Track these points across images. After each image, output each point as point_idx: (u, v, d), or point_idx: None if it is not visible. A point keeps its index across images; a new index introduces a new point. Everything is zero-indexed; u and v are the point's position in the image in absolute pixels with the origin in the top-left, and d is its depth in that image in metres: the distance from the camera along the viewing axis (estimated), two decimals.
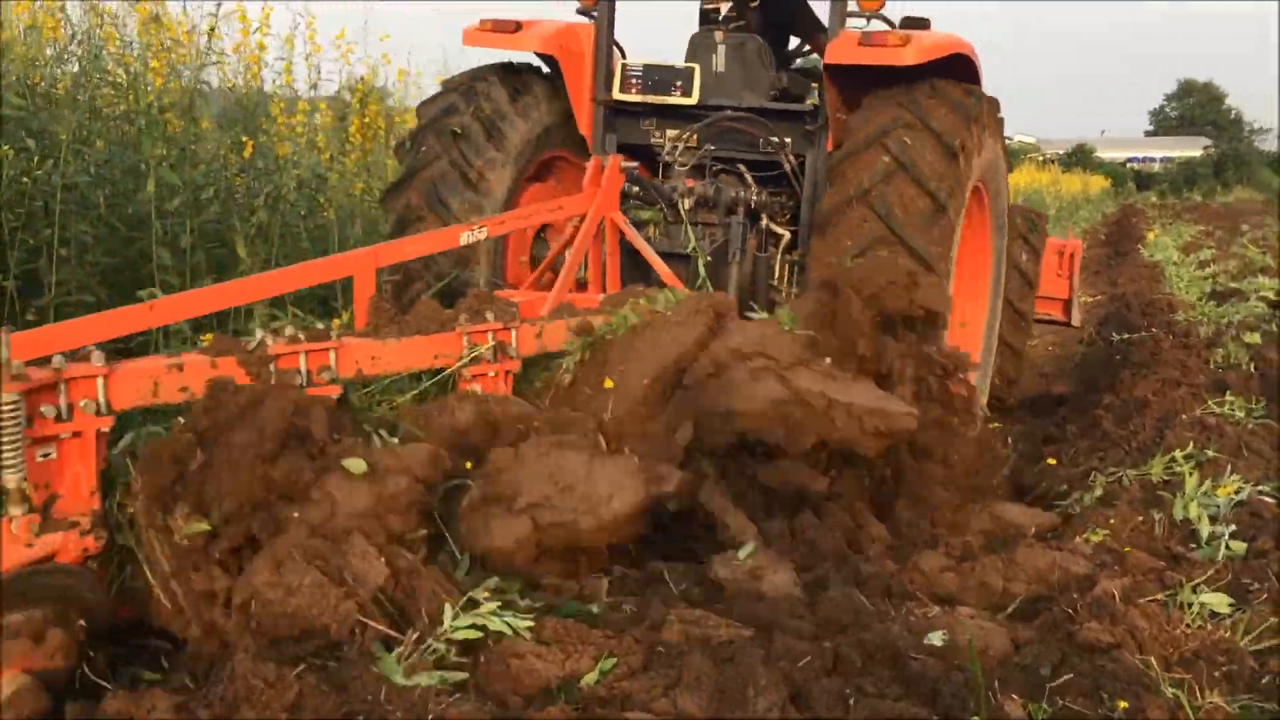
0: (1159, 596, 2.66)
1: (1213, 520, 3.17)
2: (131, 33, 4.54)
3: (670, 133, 5.43)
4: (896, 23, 5.08)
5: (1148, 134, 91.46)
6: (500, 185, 4.94)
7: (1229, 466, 3.86)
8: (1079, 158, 63.30)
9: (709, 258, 4.90)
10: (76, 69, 4.24)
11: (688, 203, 5.07)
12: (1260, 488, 3.57)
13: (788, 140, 5.33)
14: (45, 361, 2.51)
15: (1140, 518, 3.22)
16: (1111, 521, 3.20)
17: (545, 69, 5.41)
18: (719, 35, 5.55)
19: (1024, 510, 3.41)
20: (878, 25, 5.05)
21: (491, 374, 3.46)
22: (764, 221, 5.35)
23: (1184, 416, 4.62)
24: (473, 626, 2.32)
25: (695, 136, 5.36)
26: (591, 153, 5.26)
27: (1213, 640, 2.39)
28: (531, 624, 2.33)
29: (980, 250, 5.42)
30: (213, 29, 4.61)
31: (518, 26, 5.19)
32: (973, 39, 5.05)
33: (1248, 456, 4.00)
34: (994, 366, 5.73)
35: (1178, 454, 3.92)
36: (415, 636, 2.23)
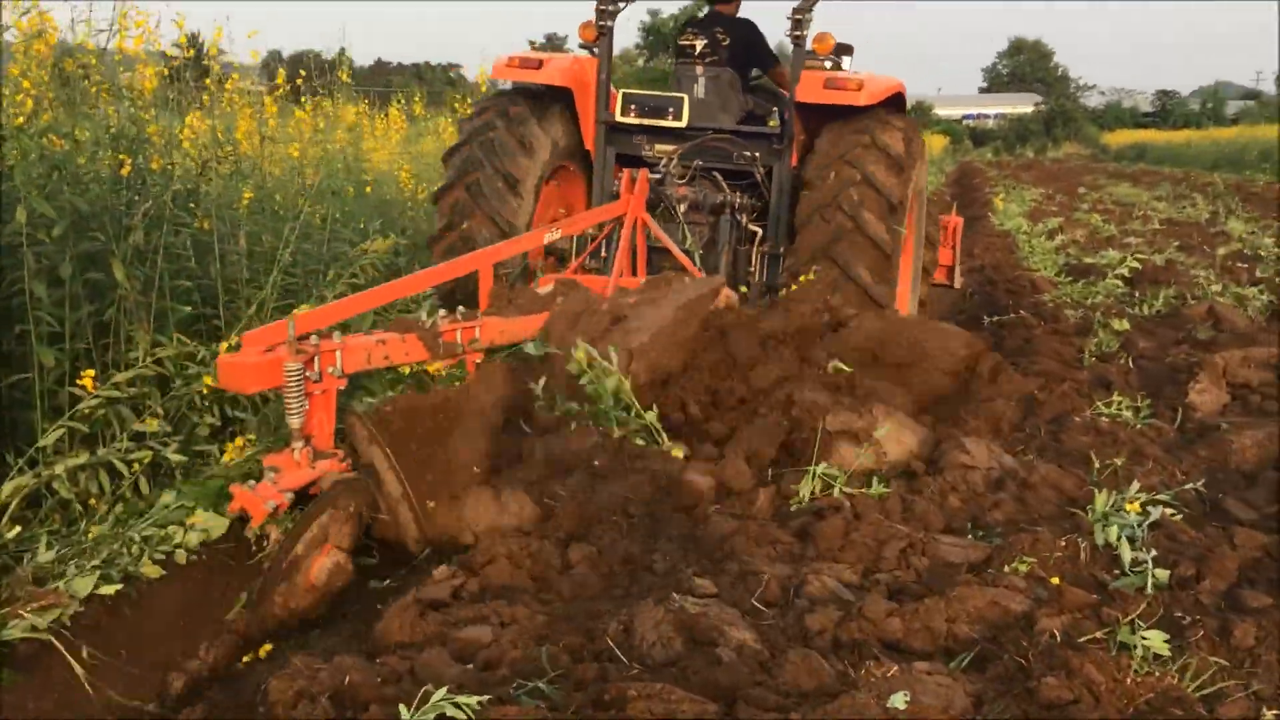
0: (1098, 635, 2.72)
1: (1131, 542, 3.25)
2: None
3: (660, 147, 6.56)
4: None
5: (982, 90, 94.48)
6: (530, 190, 6.14)
7: (1129, 476, 4.01)
8: (918, 115, 64.99)
9: (700, 250, 6.22)
10: None
11: (683, 207, 6.25)
12: (1160, 496, 3.71)
13: (757, 155, 6.50)
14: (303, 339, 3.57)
15: (1063, 542, 3.28)
16: (1036, 546, 3.25)
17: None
18: (699, 69, 6.83)
19: (955, 541, 3.44)
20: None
21: None
22: (743, 221, 6.55)
23: (1077, 419, 4.75)
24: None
25: (678, 153, 6.48)
26: (594, 164, 6.56)
27: (1162, 688, 2.45)
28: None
29: (906, 242, 6.38)
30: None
31: (540, 64, 6.36)
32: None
33: (1146, 464, 4.13)
34: None
35: (1095, 465, 4.04)
36: None
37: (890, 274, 5.77)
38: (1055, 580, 3.09)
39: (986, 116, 79.58)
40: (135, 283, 4.27)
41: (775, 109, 6.99)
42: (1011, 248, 12.70)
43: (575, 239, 6.20)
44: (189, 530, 3.64)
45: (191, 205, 4.88)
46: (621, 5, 6.46)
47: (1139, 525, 3.35)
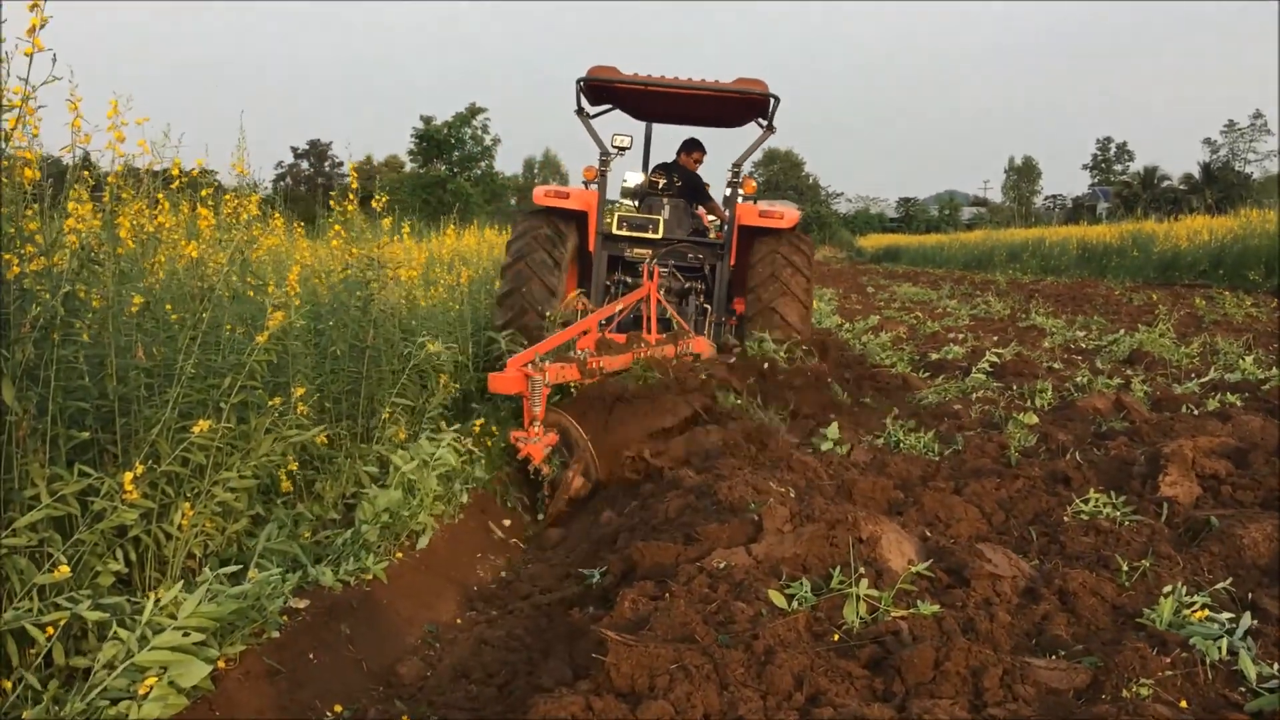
0: None
1: (1234, 654, 3.01)
2: None
3: (637, 251, 9.73)
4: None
5: (743, 198, 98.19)
6: (561, 292, 9.11)
7: (1159, 578, 3.82)
8: None
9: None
10: None
11: (661, 291, 9.16)
12: (1198, 598, 3.51)
13: (703, 257, 9.81)
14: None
15: (1168, 659, 3.01)
16: (1147, 666, 2.96)
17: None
18: (665, 200, 10.32)
19: (1049, 664, 3.11)
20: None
21: None
22: (700, 300, 9.84)
23: (1066, 519, 4.56)
24: None
25: (655, 255, 9.68)
26: (594, 262, 9.65)
27: None
28: None
29: None
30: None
31: (568, 195, 9.54)
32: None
33: (1174, 565, 3.95)
34: None
35: (1123, 568, 3.82)
36: None
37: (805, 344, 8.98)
38: (1183, 704, 2.81)
39: None
40: (28, 405, 3.53)
41: (708, 226, 10.66)
42: (842, 345, 12.81)
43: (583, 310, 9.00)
44: (143, 703, 2.93)
45: (77, 321, 4.13)
46: (614, 157, 9.52)
47: (1239, 635, 3.12)
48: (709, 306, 9.70)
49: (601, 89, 9.43)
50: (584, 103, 9.37)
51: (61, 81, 3.85)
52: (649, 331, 8.36)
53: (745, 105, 9.54)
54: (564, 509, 6.07)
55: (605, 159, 9.48)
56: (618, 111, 10.59)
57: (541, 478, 6.16)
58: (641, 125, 11.68)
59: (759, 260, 9.19)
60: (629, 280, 9.72)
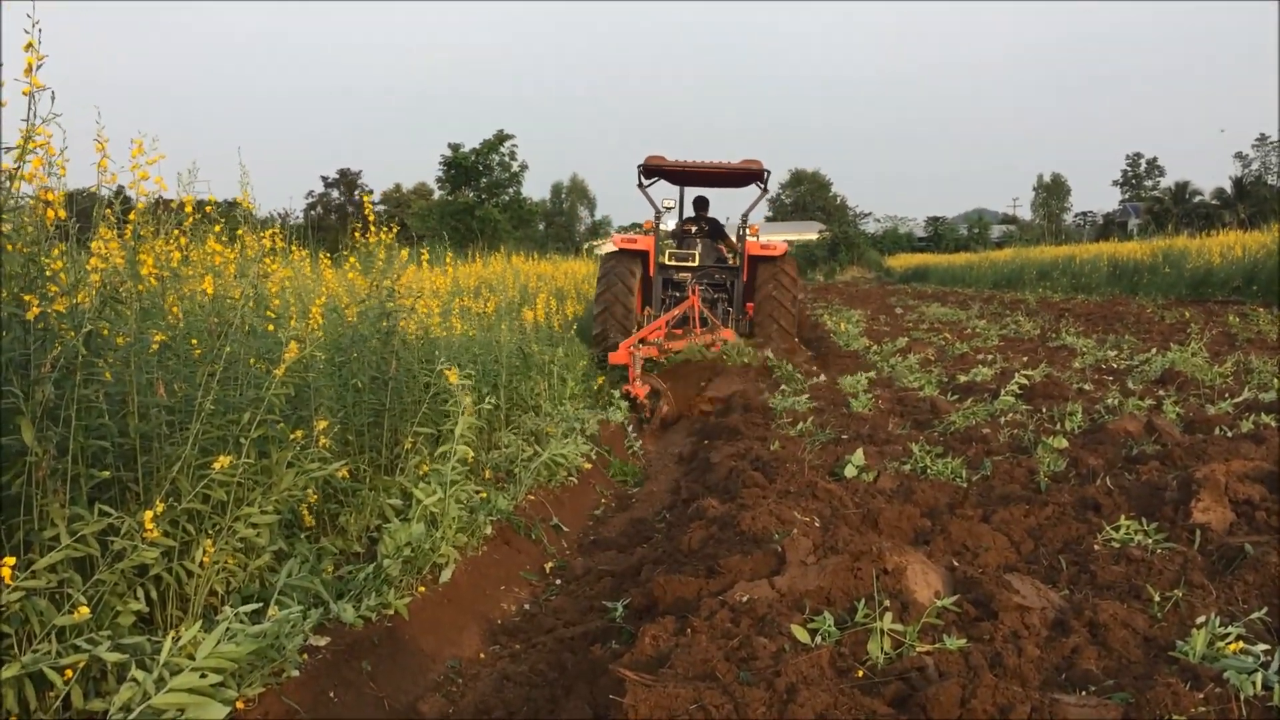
0: None
1: (1269, 688, 2.93)
2: None
3: (681, 274, 14.59)
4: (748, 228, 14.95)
5: (769, 219, 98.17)
6: (635, 311, 14.14)
7: (1191, 608, 3.74)
8: None
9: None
10: None
11: (700, 300, 13.69)
12: (1232, 629, 3.43)
13: (725, 276, 14.87)
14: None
15: (1199, 694, 2.93)
16: (1179, 702, 2.89)
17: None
18: (698, 240, 15.28)
19: (1079, 701, 3.05)
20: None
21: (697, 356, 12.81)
22: (725, 305, 14.67)
23: (1097, 547, 4.49)
24: None
25: (693, 276, 14.63)
26: (654, 283, 14.64)
27: None
28: None
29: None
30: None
31: (635, 241, 14.63)
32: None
33: (1198, 592, 3.86)
34: None
35: (1155, 598, 3.74)
36: None
37: (794, 338, 14.17)
38: None
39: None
40: (48, 446, 3.53)
41: (727, 255, 15.31)
42: (870, 368, 12.74)
43: (647, 315, 14.37)
44: None
45: (99, 360, 4.13)
46: (664, 213, 14.67)
47: (1274, 668, 3.04)
48: (731, 309, 14.66)
49: (653, 169, 14.33)
50: (641, 179, 14.46)
51: (88, 119, 3.88)
52: (695, 326, 13.16)
53: (748, 176, 14.50)
54: (658, 426, 11.08)
55: (658, 215, 14.65)
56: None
57: (643, 409, 11.19)
58: (676, 189, 16.38)
59: (760, 291, 14.03)
60: (677, 294, 14.53)
